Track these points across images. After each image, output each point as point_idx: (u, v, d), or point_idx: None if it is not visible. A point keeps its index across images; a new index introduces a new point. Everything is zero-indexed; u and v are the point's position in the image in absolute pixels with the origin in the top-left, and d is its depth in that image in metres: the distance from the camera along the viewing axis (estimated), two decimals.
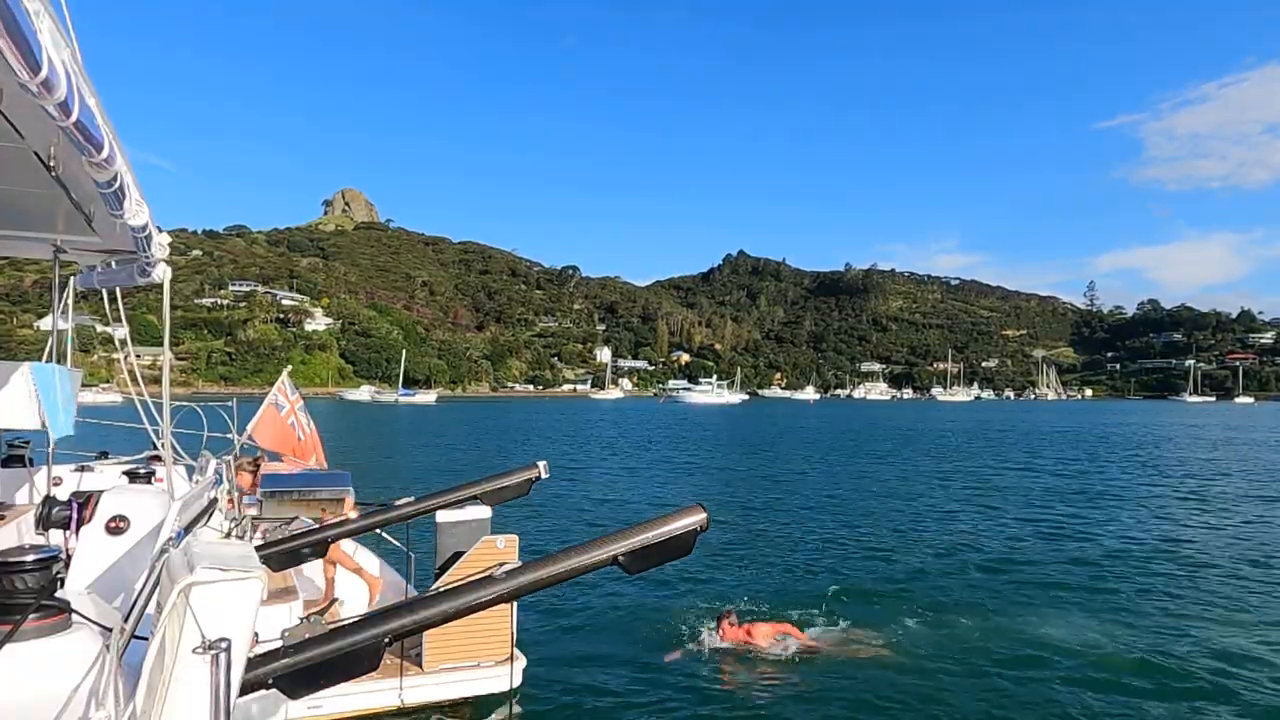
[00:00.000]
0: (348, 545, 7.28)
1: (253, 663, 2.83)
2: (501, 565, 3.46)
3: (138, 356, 7.04)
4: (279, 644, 2.99)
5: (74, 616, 2.70)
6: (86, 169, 3.26)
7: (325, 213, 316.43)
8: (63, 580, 3.76)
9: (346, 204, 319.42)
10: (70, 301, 7.23)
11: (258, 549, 4.68)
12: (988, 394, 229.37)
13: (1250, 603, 10.32)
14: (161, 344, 6.17)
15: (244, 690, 2.73)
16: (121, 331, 6.76)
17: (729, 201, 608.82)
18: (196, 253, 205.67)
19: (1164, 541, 14.48)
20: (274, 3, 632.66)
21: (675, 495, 20.88)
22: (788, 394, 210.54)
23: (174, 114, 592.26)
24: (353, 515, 6.49)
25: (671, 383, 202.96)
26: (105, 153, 3.07)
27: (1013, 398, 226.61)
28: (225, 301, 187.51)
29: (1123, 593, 10.79)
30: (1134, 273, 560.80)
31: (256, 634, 2.98)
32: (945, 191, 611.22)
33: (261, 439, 9.45)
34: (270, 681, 2.92)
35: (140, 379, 6.65)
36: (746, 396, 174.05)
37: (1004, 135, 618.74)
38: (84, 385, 8.11)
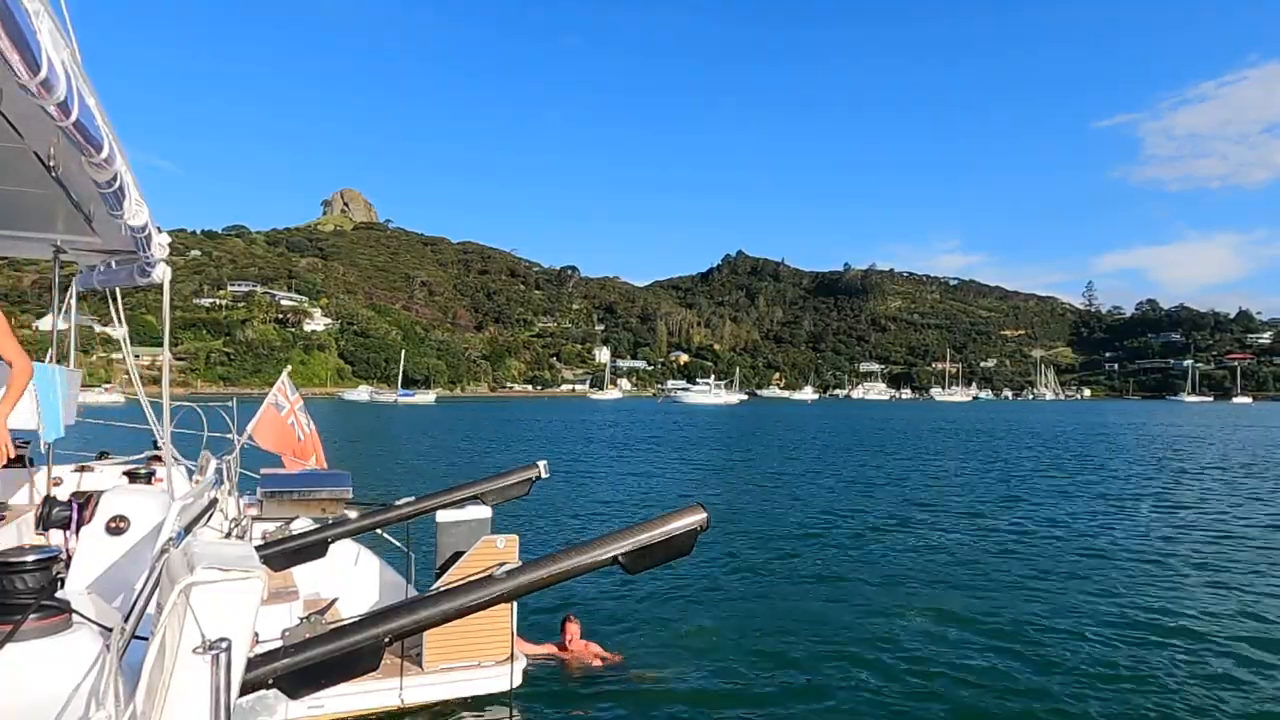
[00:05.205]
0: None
1: (253, 663, 2.82)
2: (501, 565, 3.45)
3: (136, 357, 7.04)
4: (279, 644, 2.99)
5: (74, 617, 2.70)
6: (86, 169, 3.27)
7: (324, 213, 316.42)
8: (63, 580, 3.76)
9: (345, 204, 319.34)
10: (71, 301, 7.23)
11: (258, 549, 4.68)
12: (986, 394, 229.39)
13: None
14: (161, 344, 6.17)
15: (244, 690, 2.73)
16: (121, 331, 6.77)
17: (729, 201, 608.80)
18: (195, 253, 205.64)
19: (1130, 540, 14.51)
20: (274, 3, 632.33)
21: (675, 495, 20.89)
22: (786, 394, 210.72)
23: (174, 114, 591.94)
24: (351, 514, 6.49)
25: (670, 383, 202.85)
26: (105, 153, 3.07)
27: (1011, 398, 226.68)
28: (224, 302, 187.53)
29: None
30: (1134, 273, 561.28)
31: (256, 634, 2.98)
32: (945, 191, 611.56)
33: (262, 439, 9.43)
34: (270, 681, 2.91)
35: (140, 379, 6.66)
36: (745, 396, 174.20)
37: (1004, 135, 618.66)
38: (84, 385, 8.10)
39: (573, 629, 7.95)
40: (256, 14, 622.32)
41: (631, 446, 38.68)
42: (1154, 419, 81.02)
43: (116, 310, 6.85)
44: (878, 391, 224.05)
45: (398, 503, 5.66)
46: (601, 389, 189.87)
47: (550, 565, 3.45)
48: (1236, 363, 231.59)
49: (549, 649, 7.85)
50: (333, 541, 5.28)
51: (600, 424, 62.28)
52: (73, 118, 2.52)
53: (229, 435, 8.21)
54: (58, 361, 6.64)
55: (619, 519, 16.73)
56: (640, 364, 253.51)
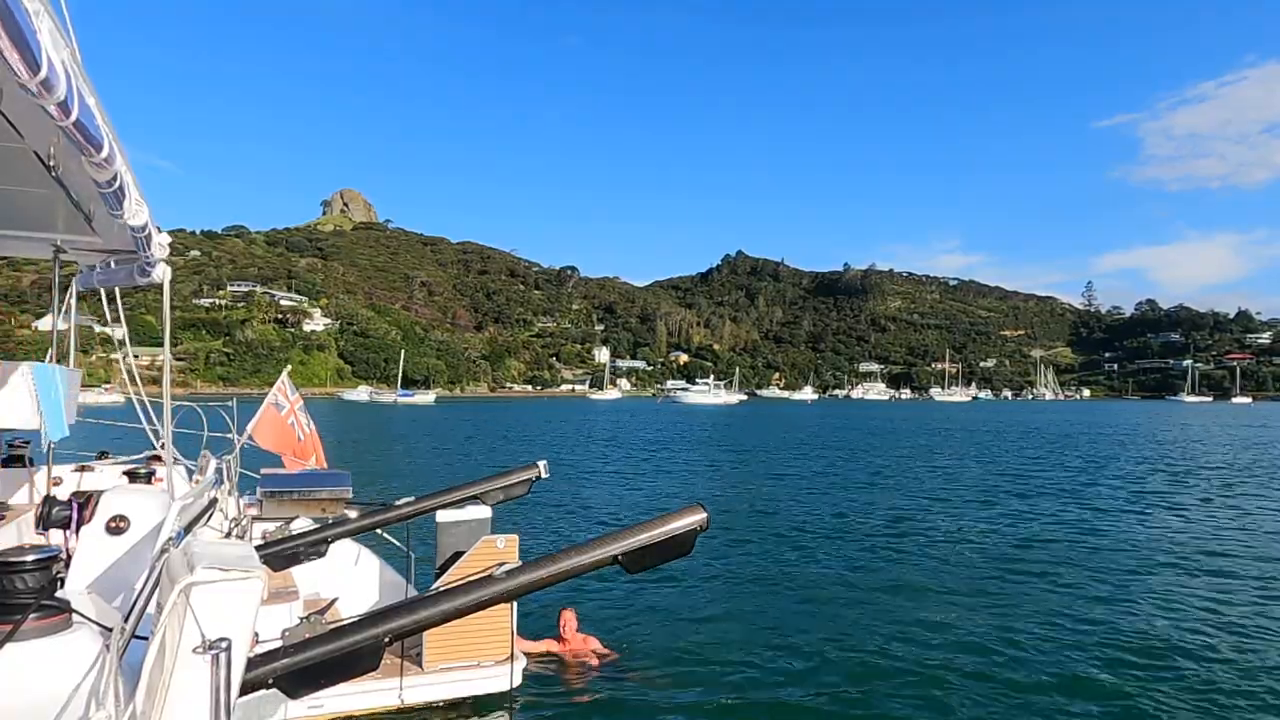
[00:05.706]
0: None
1: (253, 663, 2.82)
2: (501, 565, 3.46)
3: (136, 357, 7.04)
4: (279, 644, 2.99)
5: (74, 616, 2.70)
6: (86, 169, 3.27)
7: (324, 213, 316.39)
8: (63, 580, 3.76)
9: (345, 204, 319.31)
10: (71, 301, 7.23)
11: (258, 549, 4.69)
12: (985, 394, 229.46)
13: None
14: (160, 344, 6.17)
15: (244, 690, 2.73)
16: (121, 331, 6.77)
17: (729, 201, 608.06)
18: (195, 253, 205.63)
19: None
20: (274, 3, 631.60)
21: (675, 495, 20.88)
22: (786, 394, 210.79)
23: (174, 114, 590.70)
24: (351, 514, 6.50)
25: (670, 383, 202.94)
26: (105, 153, 3.07)
27: (1011, 398, 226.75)
28: (224, 302, 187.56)
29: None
30: (1134, 273, 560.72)
31: (256, 634, 2.98)
32: (945, 191, 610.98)
33: (262, 439, 9.44)
34: (270, 681, 2.91)
35: (139, 379, 6.67)
36: (745, 396, 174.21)
37: (1004, 135, 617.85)
38: (84, 385, 8.08)
39: (569, 618, 8.00)
40: (256, 14, 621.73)
41: (631, 446, 38.68)
42: (1153, 419, 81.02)
43: (116, 310, 6.85)
44: (877, 392, 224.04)
45: (398, 503, 5.66)
46: (601, 389, 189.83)
47: (550, 565, 3.45)
48: (1236, 363, 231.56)
49: (548, 644, 7.88)
50: (333, 541, 5.28)
51: (600, 424, 62.28)
52: (73, 117, 2.52)
53: (229, 435, 8.21)
54: (58, 361, 6.65)
55: (619, 519, 16.72)
56: (640, 364, 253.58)
